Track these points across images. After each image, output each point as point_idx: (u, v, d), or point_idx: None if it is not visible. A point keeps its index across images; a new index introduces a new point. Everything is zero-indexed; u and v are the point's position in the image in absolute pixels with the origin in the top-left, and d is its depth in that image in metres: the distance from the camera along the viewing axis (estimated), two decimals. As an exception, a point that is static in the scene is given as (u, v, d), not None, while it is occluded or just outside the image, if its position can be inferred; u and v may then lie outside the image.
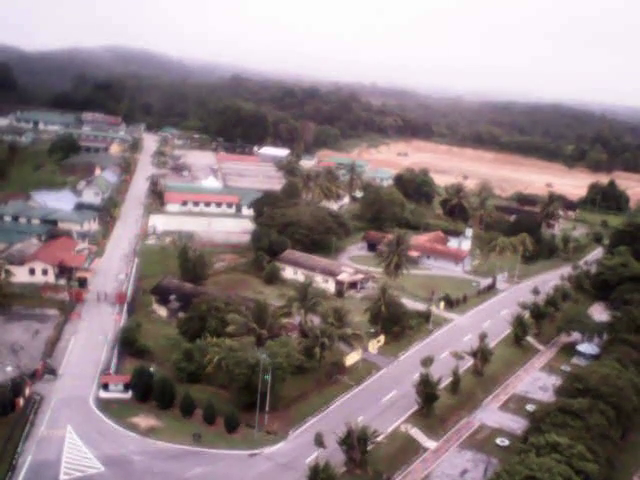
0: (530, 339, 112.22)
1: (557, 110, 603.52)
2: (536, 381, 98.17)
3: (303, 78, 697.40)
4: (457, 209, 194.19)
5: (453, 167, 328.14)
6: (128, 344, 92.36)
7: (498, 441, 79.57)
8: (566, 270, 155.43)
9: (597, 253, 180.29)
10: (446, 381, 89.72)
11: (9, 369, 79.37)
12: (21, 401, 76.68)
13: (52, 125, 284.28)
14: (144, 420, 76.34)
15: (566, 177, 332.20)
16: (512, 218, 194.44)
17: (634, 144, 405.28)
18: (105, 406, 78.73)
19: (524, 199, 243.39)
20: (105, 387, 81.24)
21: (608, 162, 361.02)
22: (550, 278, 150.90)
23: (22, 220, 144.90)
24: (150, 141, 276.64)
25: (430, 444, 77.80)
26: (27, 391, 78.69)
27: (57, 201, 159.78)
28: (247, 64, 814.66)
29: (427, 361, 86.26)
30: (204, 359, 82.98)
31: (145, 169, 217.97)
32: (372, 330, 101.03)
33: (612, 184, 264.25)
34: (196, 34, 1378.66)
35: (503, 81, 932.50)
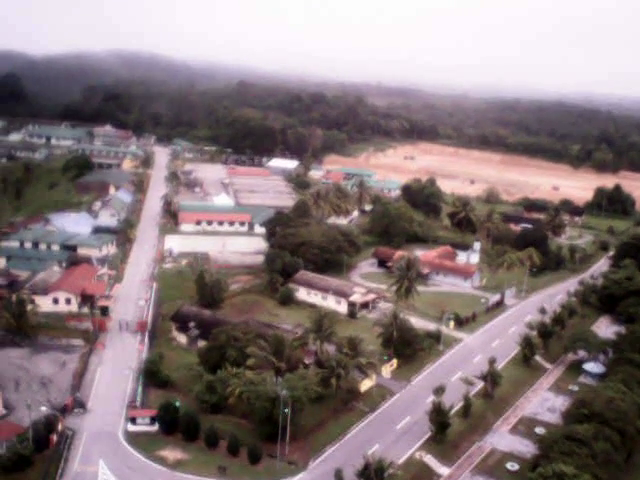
0: (538, 358, 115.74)
1: (562, 107, 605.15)
2: (544, 402, 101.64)
3: (308, 79, 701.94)
4: (464, 221, 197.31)
5: (460, 170, 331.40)
6: (152, 375, 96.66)
7: (508, 466, 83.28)
8: (573, 282, 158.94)
9: (603, 263, 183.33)
10: (457, 406, 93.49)
11: (43, 409, 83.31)
12: (54, 437, 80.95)
13: (64, 140, 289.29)
14: (171, 453, 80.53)
15: (572, 179, 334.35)
16: (519, 227, 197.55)
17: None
18: (134, 440, 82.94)
19: (532, 205, 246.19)
20: (133, 421, 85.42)
21: (614, 162, 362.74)
22: (557, 291, 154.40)
23: (42, 246, 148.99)
24: (161, 154, 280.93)
25: (443, 470, 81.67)
26: (59, 427, 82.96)
27: (75, 224, 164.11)
28: (252, 64, 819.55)
29: (439, 390, 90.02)
30: (225, 391, 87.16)
31: (158, 185, 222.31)
32: (385, 357, 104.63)
33: (618, 188, 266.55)
34: (200, 35, 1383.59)
35: (507, 76, 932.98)
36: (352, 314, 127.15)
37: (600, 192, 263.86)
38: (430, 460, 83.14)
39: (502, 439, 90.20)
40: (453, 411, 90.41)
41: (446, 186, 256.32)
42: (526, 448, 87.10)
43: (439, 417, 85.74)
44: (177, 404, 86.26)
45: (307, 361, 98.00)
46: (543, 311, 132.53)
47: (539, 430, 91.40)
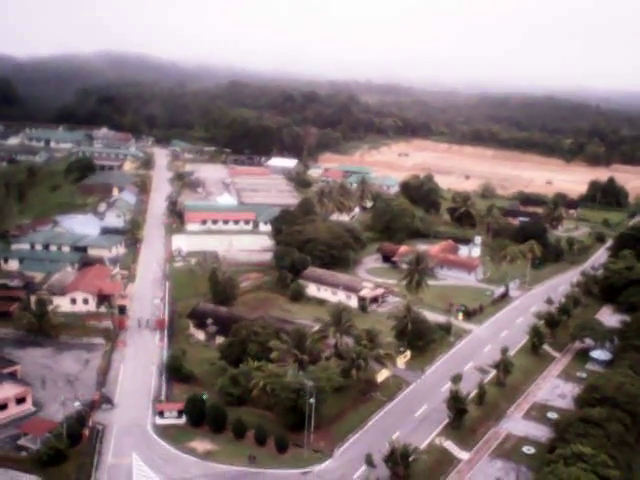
0: (546, 347, 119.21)
1: (552, 102, 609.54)
2: (555, 389, 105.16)
3: (299, 77, 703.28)
4: (464, 216, 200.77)
5: (454, 166, 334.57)
6: (175, 370, 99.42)
7: (525, 449, 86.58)
8: (574, 274, 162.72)
9: (601, 254, 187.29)
10: (472, 393, 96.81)
11: (77, 404, 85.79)
12: (86, 432, 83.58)
13: (63, 143, 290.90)
14: (200, 444, 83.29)
15: (565, 172, 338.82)
16: (517, 221, 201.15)
17: (631, 136, 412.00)
18: (163, 432, 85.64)
19: (527, 199, 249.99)
20: (160, 414, 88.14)
21: (606, 155, 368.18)
22: (559, 282, 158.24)
23: (53, 248, 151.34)
24: (160, 156, 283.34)
25: (463, 455, 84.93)
26: (90, 422, 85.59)
27: (83, 226, 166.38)
28: (241, 64, 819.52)
29: (456, 378, 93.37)
30: (249, 383, 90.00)
31: (160, 186, 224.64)
32: (401, 349, 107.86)
33: (611, 181, 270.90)
34: (189, 35, 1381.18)
35: (497, 71, 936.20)
36: (363, 308, 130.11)
37: (594, 185, 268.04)
38: (450, 445, 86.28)
39: (517, 424, 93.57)
40: (468, 398, 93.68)
41: (442, 182, 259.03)
42: (540, 432, 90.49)
43: (457, 404, 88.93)
44: (204, 397, 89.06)
45: (327, 353, 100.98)
46: (550, 301, 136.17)
47: (551, 415, 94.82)
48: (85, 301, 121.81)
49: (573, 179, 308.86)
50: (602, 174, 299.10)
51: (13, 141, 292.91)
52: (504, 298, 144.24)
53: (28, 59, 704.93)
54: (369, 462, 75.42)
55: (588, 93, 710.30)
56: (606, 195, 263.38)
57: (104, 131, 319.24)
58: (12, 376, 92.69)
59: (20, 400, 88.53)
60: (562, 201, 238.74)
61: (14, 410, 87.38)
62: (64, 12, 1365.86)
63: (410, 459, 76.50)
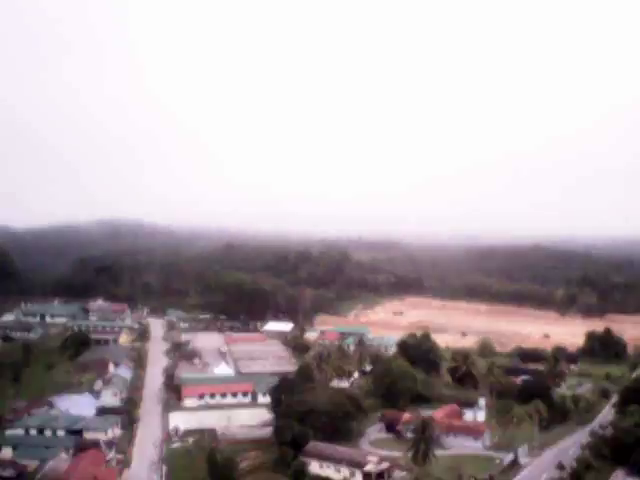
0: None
1: (539, 251, 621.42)
2: None
3: (292, 236, 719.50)
4: (466, 376, 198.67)
5: (449, 323, 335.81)
6: None
7: None
8: (582, 434, 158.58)
9: (608, 411, 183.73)
10: None
11: None
12: None
13: (59, 317, 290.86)
14: None
15: (560, 325, 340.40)
16: (520, 380, 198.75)
17: (622, 283, 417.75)
18: None
19: (526, 355, 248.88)
20: None
21: (599, 305, 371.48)
22: (569, 445, 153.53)
23: (47, 432, 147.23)
24: (156, 326, 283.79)
25: None
26: None
27: (78, 407, 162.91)
28: (237, 225, 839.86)
29: None
30: None
31: (156, 359, 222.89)
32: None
33: (608, 331, 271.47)
34: (182, 202, 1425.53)
35: (482, 223, 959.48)
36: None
37: (591, 336, 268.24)
38: None
39: None
40: None
41: (438, 340, 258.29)
42: None
43: None
44: None
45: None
46: (561, 467, 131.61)
47: None
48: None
49: (569, 331, 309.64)
50: (598, 325, 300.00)
51: (8, 317, 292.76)
52: (514, 466, 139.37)
53: (23, 230, 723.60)
54: None
55: (574, 240, 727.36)
56: (605, 347, 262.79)
57: (99, 303, 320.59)
58: None
59: None
60: (562, 355, 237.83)
61: None
62: (60, 182, 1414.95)
63: None
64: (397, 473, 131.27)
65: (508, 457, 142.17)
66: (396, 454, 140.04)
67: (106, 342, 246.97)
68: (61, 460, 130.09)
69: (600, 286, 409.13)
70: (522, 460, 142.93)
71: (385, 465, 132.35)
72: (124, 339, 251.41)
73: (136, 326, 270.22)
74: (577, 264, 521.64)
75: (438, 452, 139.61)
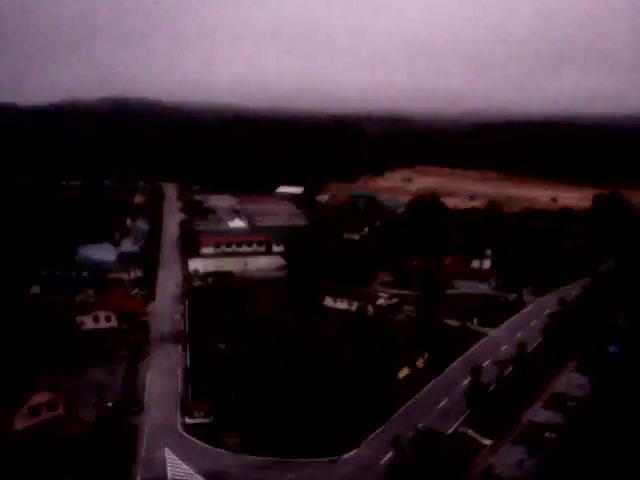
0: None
1: (550, 126, 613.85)
2: (572, 381, 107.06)
3: (301, 112, 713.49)
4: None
5: (459, 189, 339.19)
6: (199, 374, 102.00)
7: (547, 434, 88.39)
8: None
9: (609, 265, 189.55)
10: (492, 386, 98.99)
11: (109, 404, 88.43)
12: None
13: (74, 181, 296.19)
14: (230, 439, 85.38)
15: (569, 190, 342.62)
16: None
17: (634, 153, 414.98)
18: (193, 431, 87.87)
19: (533, 216, 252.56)
20: (189, 414, 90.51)
21: (612, 175, 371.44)
22: (571, 289, 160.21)
23: (73, 274, 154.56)
24: (169, 188, 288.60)
25: (487, 442, 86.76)
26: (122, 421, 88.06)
27: (100, 253, 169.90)
28: (244, 102, 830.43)
29: (476, 370, 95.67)
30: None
31: (173, 214, 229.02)
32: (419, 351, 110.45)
33: (616, 194, 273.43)
34: (192, 77, 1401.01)
35: (495, 100, 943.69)
36: (379, 317, 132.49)
37: (599, 199, 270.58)
38: (473, 433, 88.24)
39: (537, 413, 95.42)
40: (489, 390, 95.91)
41: (447, 203, 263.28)
42: (561, 419, 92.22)
43: (477, 394, 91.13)
44: (231, 397, 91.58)
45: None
46: (564, 302, 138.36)
47: (570, 404, 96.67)
48: (107, 319, 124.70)
49: (579, 196, 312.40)
50: (606, 191, 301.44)
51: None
52: (518, 303, 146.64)
53: (30, 106, 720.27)
54: (396, 445, 77.41)
55: (586, 116, 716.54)
56: (612, 210, 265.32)
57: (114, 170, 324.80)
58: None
59: (52, 406, 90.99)
60: (569, 216, 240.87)
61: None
62: (68, 59, 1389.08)
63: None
64: (406, 307, 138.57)
65: (512, 296, 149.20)
66: (405, 292, 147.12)
67: (122, 201, 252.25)
68: (88, 294, 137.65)
69: (611, 155, 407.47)
70: (526, 299, 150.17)
71: (395, 300, 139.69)
72: (138, 199, 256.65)
73: (150, 187, 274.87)
74: (589, 137, 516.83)
75: (449, 291, 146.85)
